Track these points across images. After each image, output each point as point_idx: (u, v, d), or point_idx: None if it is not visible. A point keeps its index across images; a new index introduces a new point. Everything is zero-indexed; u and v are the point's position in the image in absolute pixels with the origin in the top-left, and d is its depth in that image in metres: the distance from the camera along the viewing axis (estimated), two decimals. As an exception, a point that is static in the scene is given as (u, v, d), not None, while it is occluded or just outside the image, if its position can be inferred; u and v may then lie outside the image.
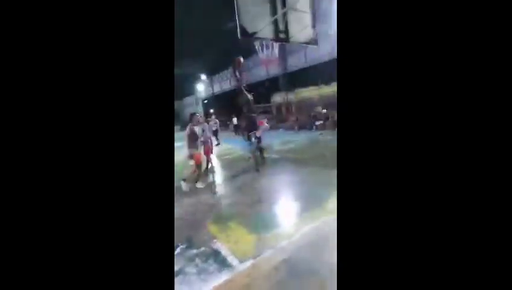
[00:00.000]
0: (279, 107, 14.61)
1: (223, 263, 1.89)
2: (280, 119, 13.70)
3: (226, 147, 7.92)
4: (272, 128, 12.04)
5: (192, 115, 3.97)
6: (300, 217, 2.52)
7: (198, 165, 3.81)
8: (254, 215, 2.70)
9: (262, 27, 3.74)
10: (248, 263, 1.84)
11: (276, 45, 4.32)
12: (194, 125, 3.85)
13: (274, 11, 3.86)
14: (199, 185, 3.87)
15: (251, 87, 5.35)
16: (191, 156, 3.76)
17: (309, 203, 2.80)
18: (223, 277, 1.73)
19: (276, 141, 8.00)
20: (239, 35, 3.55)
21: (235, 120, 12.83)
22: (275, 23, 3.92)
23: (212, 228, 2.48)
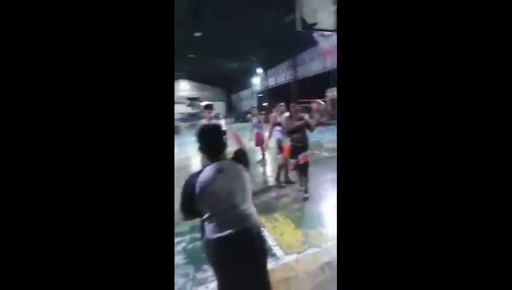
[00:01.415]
0: (333, 102, 13.77)
1: (268, 252, 1.97)
2: (333, 115, 12.92)
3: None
4: (323, 124, 11.50)
5: (277, 105, 3.67)
6: (351, 220, 2.39)
7: (288, 158, 3.35)
8: (301, 211, 2.69)
9: (323, 18, 3.56)
10: (293, 257, 1.87)
11: (336, 36, 4.05)
12: (279, 115, 3.48)
13: (335, 0, 3.61)
14: (291, 179, 3.56)
15: (306, 81, 5.12)
16: (280, 149, 3.46)
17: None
18: (268, 265, 1.81)
19: (327, 137, 7.63)
20: (298, 27, 3.47)
21: (287, 114, 12.69)
22: (336, 13, 3.67)
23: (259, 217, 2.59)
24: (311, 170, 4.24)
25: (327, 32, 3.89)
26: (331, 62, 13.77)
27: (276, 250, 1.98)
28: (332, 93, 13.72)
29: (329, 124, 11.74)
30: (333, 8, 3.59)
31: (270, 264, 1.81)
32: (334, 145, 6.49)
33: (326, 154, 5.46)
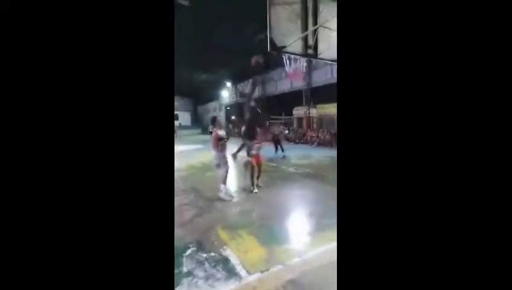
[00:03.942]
0: (300, 120, 14.53)
1: (231, 272, 1.88)
2: (301, 133, 13.58)
3: (243, 155, 7.98)
4: (291, 141, 11.97)
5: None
6: (313, 236, 2.44)
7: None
8: (266, 227, 2.66)
9: (292, 42, 3.81)
10: (255, 276, 1.81)
11: (303, 60, 4.36)
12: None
13: (305, 28, 3.93)
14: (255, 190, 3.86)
15: (273, 99, 5.66)
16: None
17: (324, 222, 2.71)
18: (230, 285, 1.72)
19: (295, 154, 7.92)
20: (269, 48, 3.64)
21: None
22: (305, 39, 3.98)
23: (223, 234, 2.49)
24: (279, 184, 4.30)
25: (295, 56, 4.16)
26: (296, 84, 14.66)
27: (240, 269, 1.90)
28: (298, 112, 14.49)
29: (297, 142, 12.25)
30: (302, 35, 3.88)
31: (233, 285, 1.72)
32: (301, 161, 6.75)
33: (292, 170, 5.62)
